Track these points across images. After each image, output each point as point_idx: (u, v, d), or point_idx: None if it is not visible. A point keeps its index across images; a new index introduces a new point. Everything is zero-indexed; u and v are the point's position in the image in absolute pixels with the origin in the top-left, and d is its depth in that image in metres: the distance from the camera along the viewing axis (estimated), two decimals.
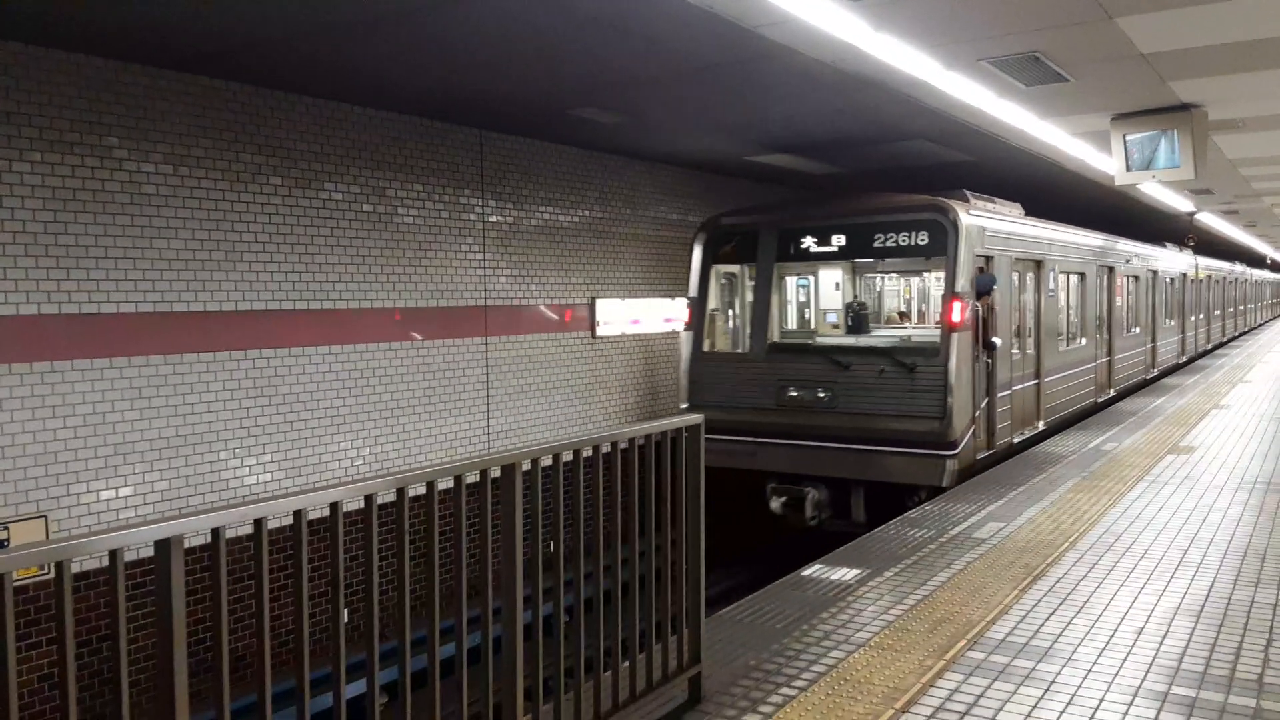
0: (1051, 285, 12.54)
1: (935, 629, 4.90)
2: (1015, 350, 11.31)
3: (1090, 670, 4.34)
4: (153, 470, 6.98)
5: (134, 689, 6.73)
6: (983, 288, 10.00)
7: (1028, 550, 6.36)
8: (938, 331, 10.28)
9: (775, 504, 10.43)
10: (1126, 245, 16.94)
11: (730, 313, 12.07)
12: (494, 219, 9.79)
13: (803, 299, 14.14)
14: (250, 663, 7.23)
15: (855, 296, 14.07)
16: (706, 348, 11.18)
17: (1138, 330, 17.85)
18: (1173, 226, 22.26)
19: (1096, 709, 3.94)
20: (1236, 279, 35.21)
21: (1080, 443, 10.88)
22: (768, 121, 9.45)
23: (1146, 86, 7.89)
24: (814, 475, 10.22)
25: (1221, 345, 30.02)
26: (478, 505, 3.14)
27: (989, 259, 10.34)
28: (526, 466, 3.29)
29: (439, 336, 9.17)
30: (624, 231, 11.64)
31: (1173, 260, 21.17)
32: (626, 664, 3.76)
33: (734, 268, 11.70)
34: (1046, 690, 4.14)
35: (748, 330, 11.36)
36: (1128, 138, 8.80)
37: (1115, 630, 4.85)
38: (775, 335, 11.26)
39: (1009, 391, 10.98)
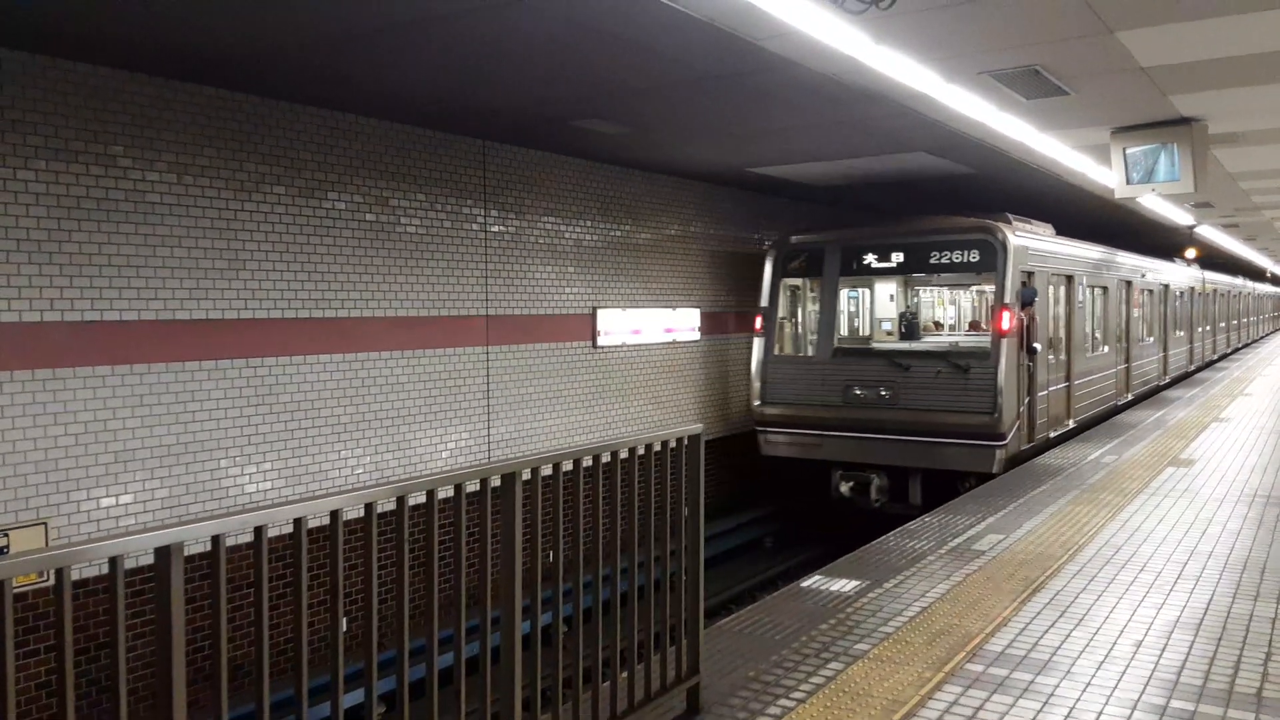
0: (1080, 298, 13.86)
1: (934, 641, 4.90)
2: (1050, 356, 12.48)
3: (1089, 683, 4.34)
4: (153, 478, 6.99)
5: (132, 697, 6.72)
6: (1026, 299, 11.27)
7: (1027, 563, 6.36)
8: (983, 337, 12.21)
9: (844, 488, 11.81)
10: (1142, 261, 18.22)
11: (794, 320, 13.49)
12: (496, 229, 9.81)
13: (852, 309, 15.81)
14: (249, 671, 7.22)
15: (907, 307, 15.82)
16: (776, 351, 12.63)
17: (1151, 340, 19.12)
18: (1173, 239, 22.31)
19: None
20: (1239, 293, 36.38)
21: (1079, 455, 10.88)
22: (769, 133, 9.48)
23: (1146, 100, 7.92)
24: (875, 464, 11.58)
25: (1225, 356, 30.55)
26: (478, 514, 3.14)
27: (1030, 274, 11.64)
28: (526, 476, 3.30)
29: (440, 345, 9.18)
30: (625, 242, 11.67)
31: (1182, 274, 22.47)
32: (625, 674, 3.77)
33: (797, 281, 13.15)
34: (1045, 703, 4.13)
35: (812, 336, 12.95)
36: (1128, 151, 8.82)
37: (1114, 643, 4.84)
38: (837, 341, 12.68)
39: (1046, 392, 12.17)
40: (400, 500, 2.90)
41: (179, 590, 2.28)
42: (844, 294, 14.65)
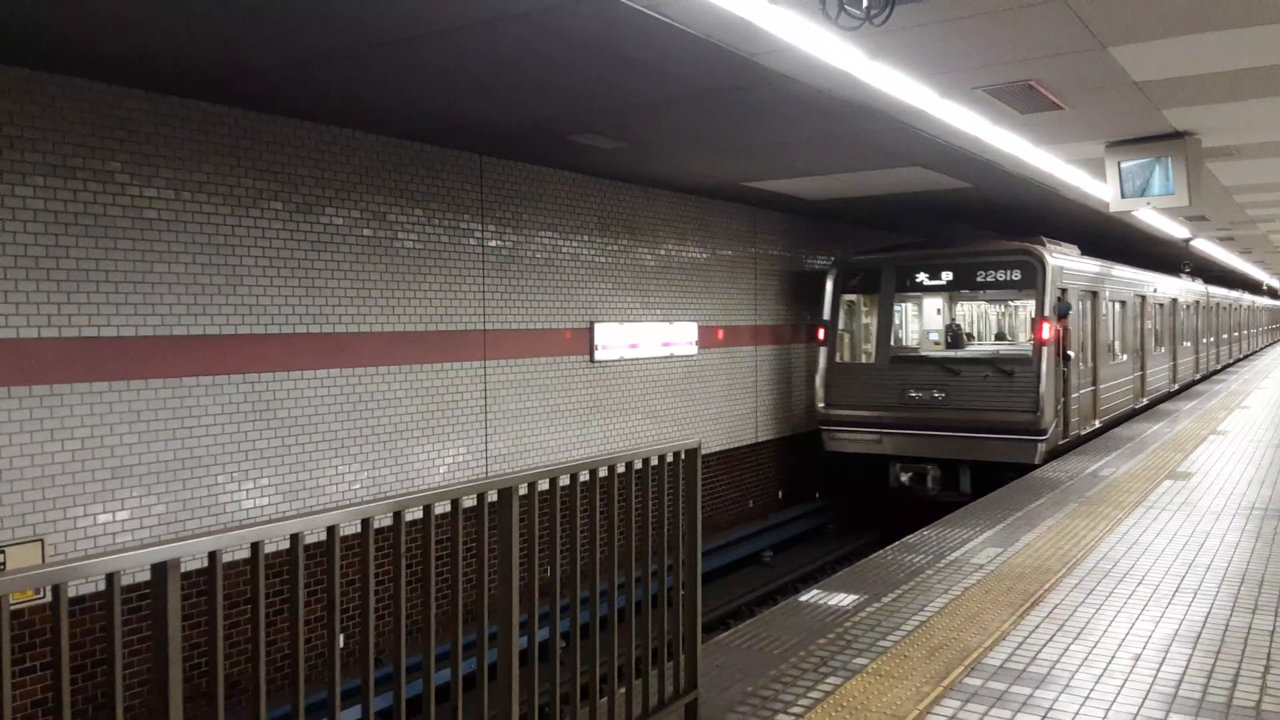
0: (1104, 311, 15.46)
1: (932, 655, 4.90)
2: (1080, 363, 13.88)
3: (1088, 697, 4.33)
4: (150, 494, 6.98)
5: (129, 714, 6.68)
6: (1061, 312, 12.71)
7: (1025, 576, 6.36)
8: (1023, 346, 14.14)
9: (904, 478, 13.39)
10: (1154, 277, 19.89)
11: (848, 332, 14.92)
12: (493, 243, 9.83)
13: (897, 322, 17.06)
14: (245, 688, 7.19)
15: (952, 320, 17.68)
16: (838, 359, 14.12)
17: (1163, 350, 20.85)
18: (1168, 252, 22.40)
19: None
20: (1238, 306, 37.85)
21: (1077, 468, 10.88)
22: (765, 147, 9.52)
23: (1140, 115, 7.96)
24: (929, 457, 13.10)
25: (1227, 367, 31.46)
26: (475, 529, 3.14)
27: (1064, 290, 13.02)
28: (524, 490, 3.30)
29: (438, 360, 9.19)
30: (623, 256, 11.69)
31: (1189, 288, 24.21)
32: (623, 690, 3.76)
33: (853, 296, 14.71)
34: (1044, 717, 4.13)
35: (866, 346, 14.52)
36: (1122, 165, 8.86)
37: (1113, 657, 4.84)
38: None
39: (1077, 394, 13.66)
40: (397, 516, 2.89)
41: (176, 606, 2.27)
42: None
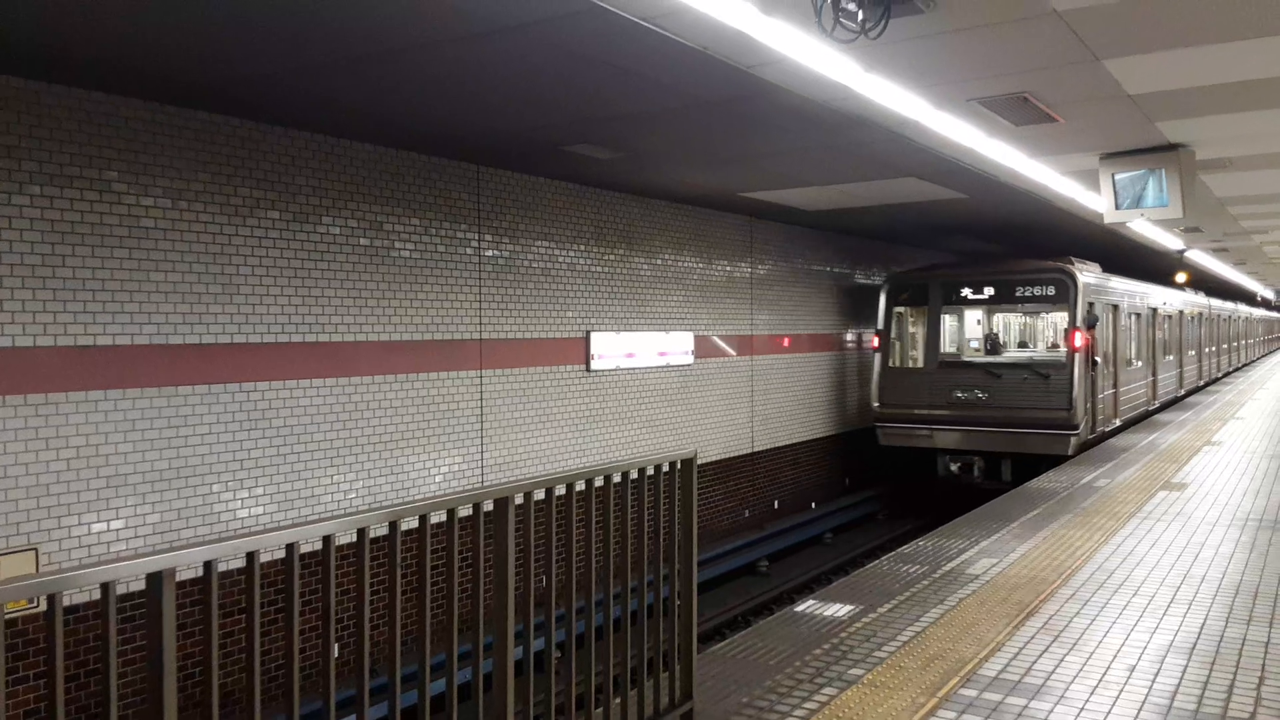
0: (1124, 322, 17.42)
1: (928, 666, 4.89)
2: (1104, 368, 15.59)
3: (1083, 708, 4.33)
4: (145, 503, 6.96)
5: None
6: (1090, 323, 14.47)
7: (1020, 587, 6.36)
8: (1056, 352, 16.48)
9: (953, 467, 15.40)
10: (1165, 291, 21.81)
11: (899, 340, 16.58)
12: (490, 253, 9.84)
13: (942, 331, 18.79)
14: (240, 698, 7.17)
15: (991, 329, 19.16)
16: (891, 364, 15.92)
17: (1170, 358, 22.61)
18: (1164, 263, 22.49)
19: None
20: (1239, 317, 39.72)
21: (1072, 478, 10.89)
22: (760, 158, 9.55)
23: (1134, 127, 8.00)
24: (974, 450, 14.99)
25: (1228, 374, 32.69)
26: (471, 539, 3.14)
27: (1091, 304, 14.78)
28: (519, 500, 3.30)
29: (434, 370, 9.18)
30: (619, 266, 11.70)
31: (1193, 301, 26.12)
32: (618, 700, 3.75)
33: (903, 308, 16.41)
34: None
35: (917, 352, 16.38)
36: (1116, 177, 8.89)
37: (1108, 668, 4.84)
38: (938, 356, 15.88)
39: (1101, 396, 15.36)
40: (393, 525, 2.90)
41: (171, 616, 2.27)
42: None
